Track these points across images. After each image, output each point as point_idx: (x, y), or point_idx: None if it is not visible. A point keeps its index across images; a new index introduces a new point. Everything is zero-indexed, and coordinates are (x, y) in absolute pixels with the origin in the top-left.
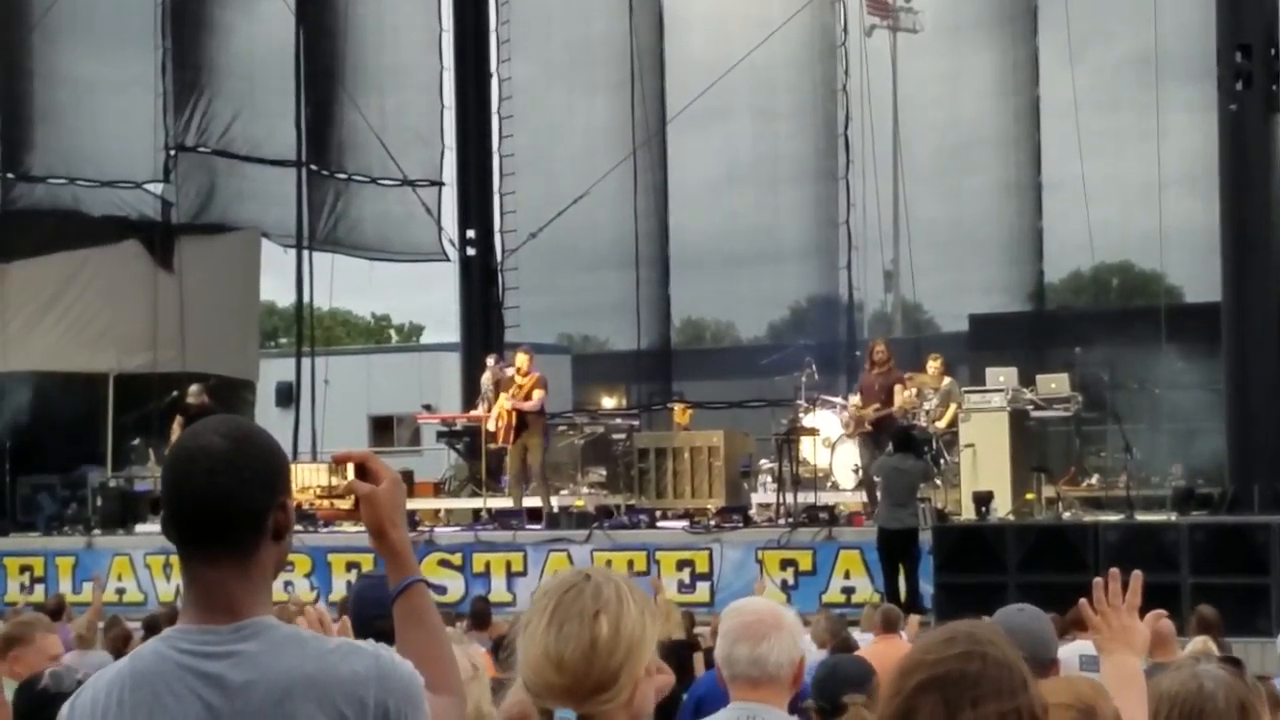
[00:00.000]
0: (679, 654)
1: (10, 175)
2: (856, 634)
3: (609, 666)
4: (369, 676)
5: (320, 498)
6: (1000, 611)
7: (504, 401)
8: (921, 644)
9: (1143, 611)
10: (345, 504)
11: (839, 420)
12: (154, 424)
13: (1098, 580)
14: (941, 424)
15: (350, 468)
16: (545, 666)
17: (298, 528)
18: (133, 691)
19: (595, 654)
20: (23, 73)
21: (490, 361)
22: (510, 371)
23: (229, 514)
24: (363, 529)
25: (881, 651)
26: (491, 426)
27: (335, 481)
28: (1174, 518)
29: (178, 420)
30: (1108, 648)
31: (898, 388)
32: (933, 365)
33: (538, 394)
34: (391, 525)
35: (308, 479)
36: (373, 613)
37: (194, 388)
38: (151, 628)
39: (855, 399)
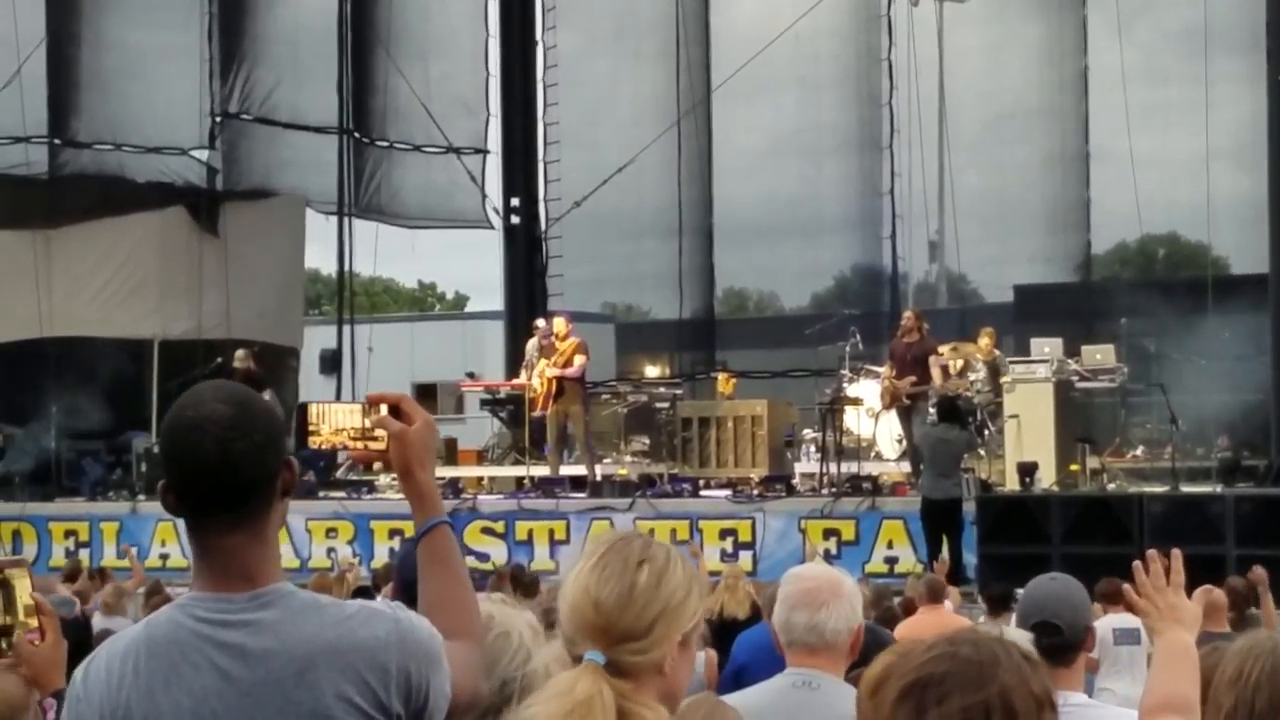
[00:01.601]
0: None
1: (58, 141)
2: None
3: (644, 616)
4: (390, 641)
5: (354, 439)
6: (1034, 581)
7: (545, 368)
8: (901, 651)
9: (1188, 588)
10: (378, 445)
11: (879, 393)
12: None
13: (1137, 563)
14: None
15: (384, 408)
16: (583, 603)
17: (340, 494)
18: (149, 660)
19: (632, 599)
20: (70, 38)
21: (540, 324)
22: (551, 338)
23: (246, 480)
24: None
25: (927, 622)
26: (538, 387)
27: (369, 423)
28: (1219, 489)
29: None
30: (1158, 627)
31: (933, 358)
32: (984, 340)
33: (579, 360)
34: (419, 466)
35: (343, 420)
36: (415, 576)
37: (240, 352)
38: (155, 592)
39: (886, 368)
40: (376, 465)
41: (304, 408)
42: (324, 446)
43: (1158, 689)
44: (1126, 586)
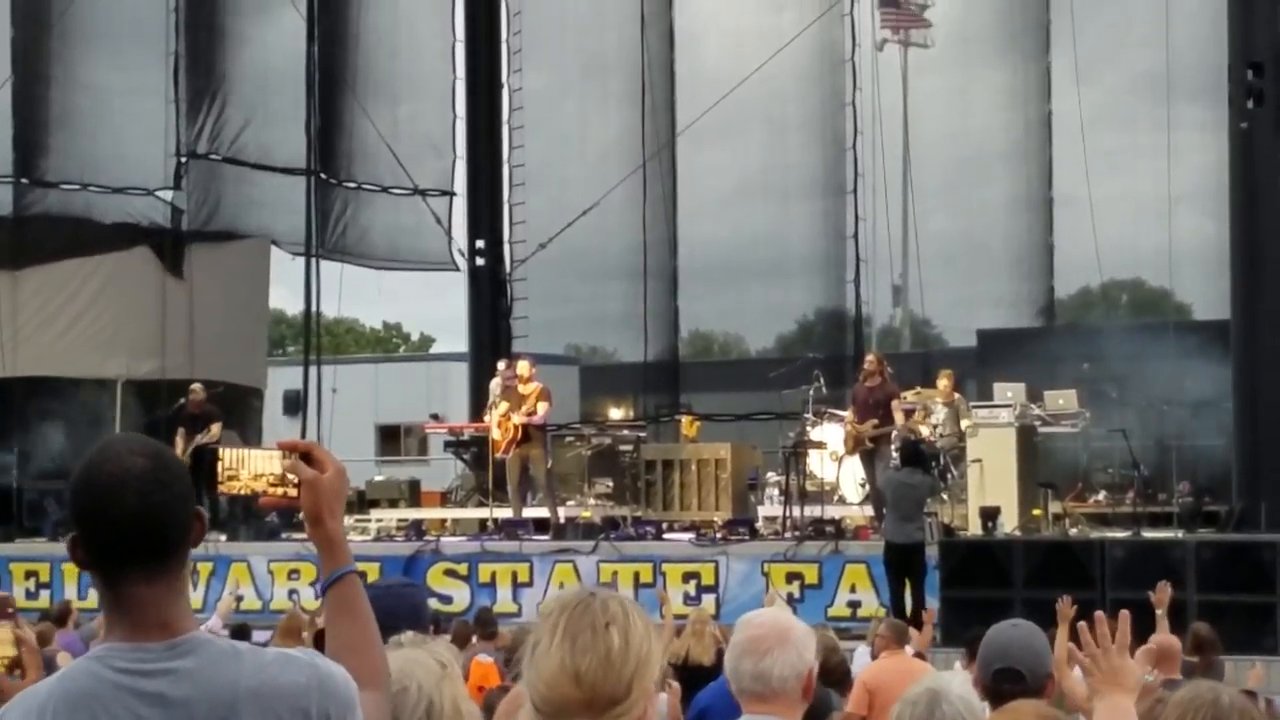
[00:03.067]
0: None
1: (24, 180)
2: (861, 648)
3: (623, 677)
4: (310, 686)
5: (273, 485)
6: (995, 627)
7: (513, 417)
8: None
9: (1142, 638)
10: (294, 491)
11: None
12: (162, 430)
13: (1083, 625)
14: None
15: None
16: (562, 680)
17: (302, 535)
18: (69, 713)
19: (610, 665)
20: (38, 78)
21: (501, 366)
22: (513, 381)
23: (167, 533)
24: (369, 537)
25: (891, 666)
26: (496, 435)
27: (283, 468)
28: (1181, 535)
29: (180, 432)
30: (1100, 689)
31: (895, 402)
32: (943, 382)
33: (542, 407)
34: (329, 514)
35: (261, 466)
36: (383, 622)
37: (195, 385)
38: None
39: (849, 413)
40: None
41: (214, 453)
42: (241, 492)
43: None
44: (1072, 646)
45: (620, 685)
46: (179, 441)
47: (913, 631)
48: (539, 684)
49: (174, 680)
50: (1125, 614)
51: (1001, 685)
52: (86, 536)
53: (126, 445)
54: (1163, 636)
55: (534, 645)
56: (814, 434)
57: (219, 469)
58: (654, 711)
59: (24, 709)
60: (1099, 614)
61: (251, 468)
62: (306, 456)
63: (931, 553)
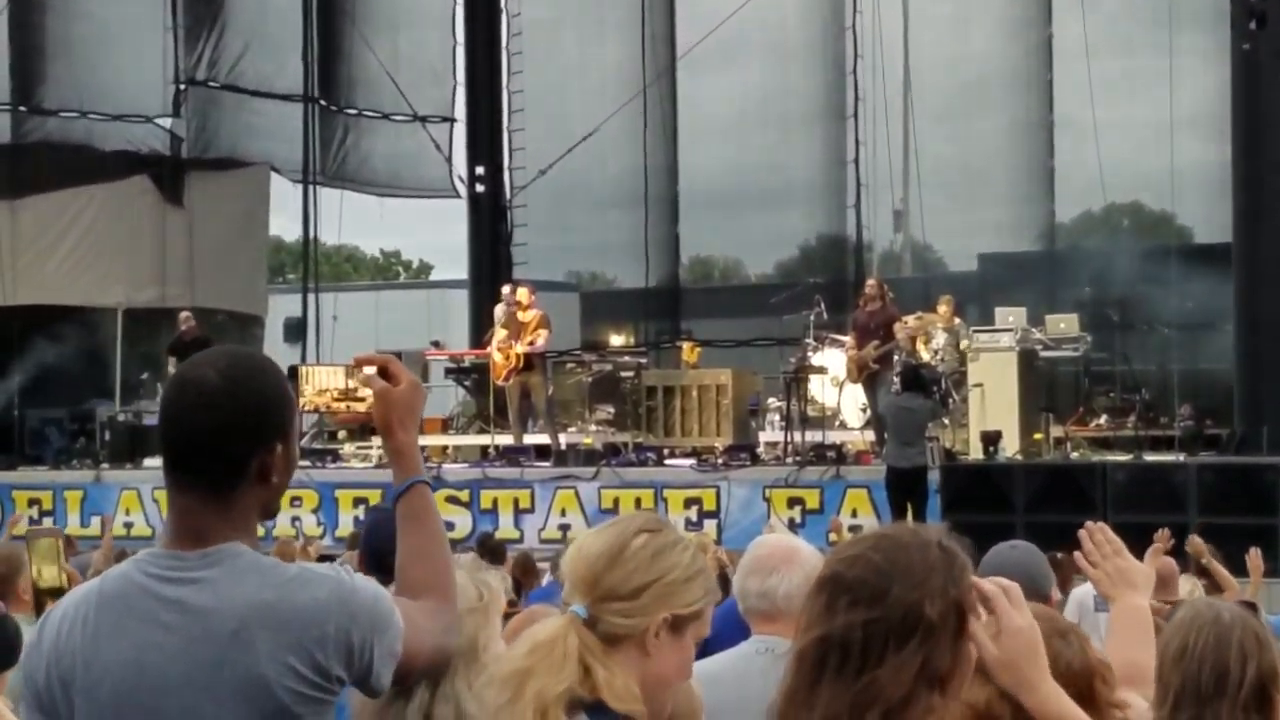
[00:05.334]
0: None
1: (23, 108)
2: None
3: (631, 578)
4: (329, 604)
5: (338, 400)
6: (994, 549)
7: (515, 347)
8: (843, 542)
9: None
10: (362, 406)
11: (843, 363)
12: (162, 358)
13: (1082, 531)
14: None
15: (372, 369)
16: (575, 556)
17: (305, 463)
18: (98, 611)
19: (621, 559)
20: (35, 6)
21: (506, 290)
22: (514, 308)
23: (206, 451)
24: (370, 464)
25: None
26: (498, 360)
27: (353, 385)
28: (1182, 458)
29: (172, 361)
30: (1111, 593)
31: (896, 326)
32: (943, 307)
33: (542, 334)
34: (401, 426)
35: (326, 381)
36: (384, 545)
37: (184, 313)
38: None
39: (850, 338)
40: (341, 434)
41: (293, 371)
42: (306, 408)
43: (1114, 661)
44: (1077, 554)
45: (626, 584)
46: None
47: None
48: (563, 560)
49: (197, 589)
50: (1102, 525)
51: None
52: (159, 433)
53: (212, 357)
54: (1158, 559)
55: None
56: (815, 359)
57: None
58: (677, 655)
59: (65, 605)
60: (1090, 524)
61: (316, 383)
62: (382, 372)
63: (933, 477)
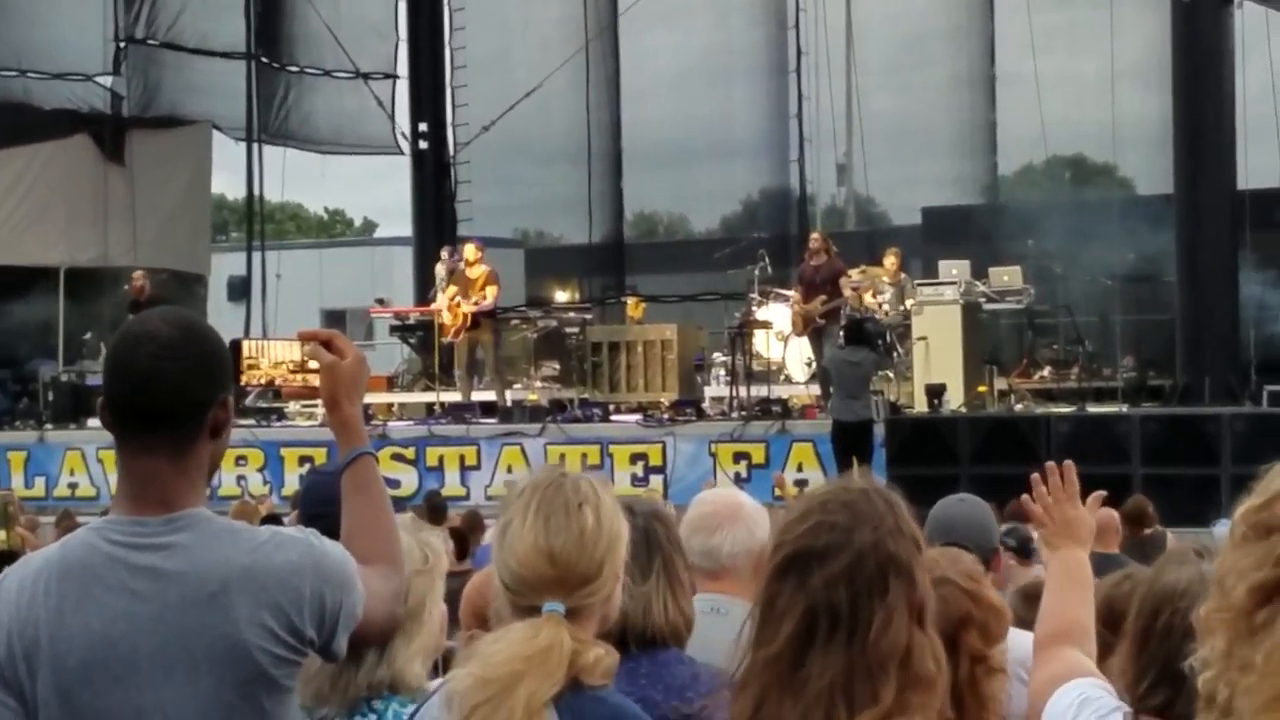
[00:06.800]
0: None
1: None
2: None
3: (595, 557)
4: (304, 565)
5: (292, 373)
6: (941, 502)
7: (462, 305)
8: (782, 525)
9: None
10: (315, 380)
11: (788, 317)
12: (105, 317)
13: (1035, 475)
14: (892, 311)
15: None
16: (536, 559)
17: (249, 421)
18: (60, 581)
19: (583, 544)
20: None
21: (444, 254)
22: (460, 264)
23: (169, 400)
24: (315, 422)
25: None
26: (447, 320)
27: (304, 355)
28: (1125, 409)
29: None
30: (1053, 542)
31: (842, 280)
32: (889, 260)
33: (491, 291)
34: (347, 399)
35: (282, 354)
36: (319, 509)
37: (136, 273)
38: (64, 519)
39: (796, 294)
40: (292, 405)
41: (236, 344)
42: (261, 380)
43: (1052, 615)
44: (1025, 498)
45: (593, 564)
46: None
47: None
48: (511, 563)
49: (168, 555)
50: (1070, 464)
51: None
52: (105, 395)
53: (161, 314)
54: (1099, 510)
55: (506, 525)
56: (759, 314)
57: (239, 359)
58: (619, 590)
59: (22, 574)
60: (1050, 464)
61: (271, 356)
62: (327, 344)
63: (878, 430)
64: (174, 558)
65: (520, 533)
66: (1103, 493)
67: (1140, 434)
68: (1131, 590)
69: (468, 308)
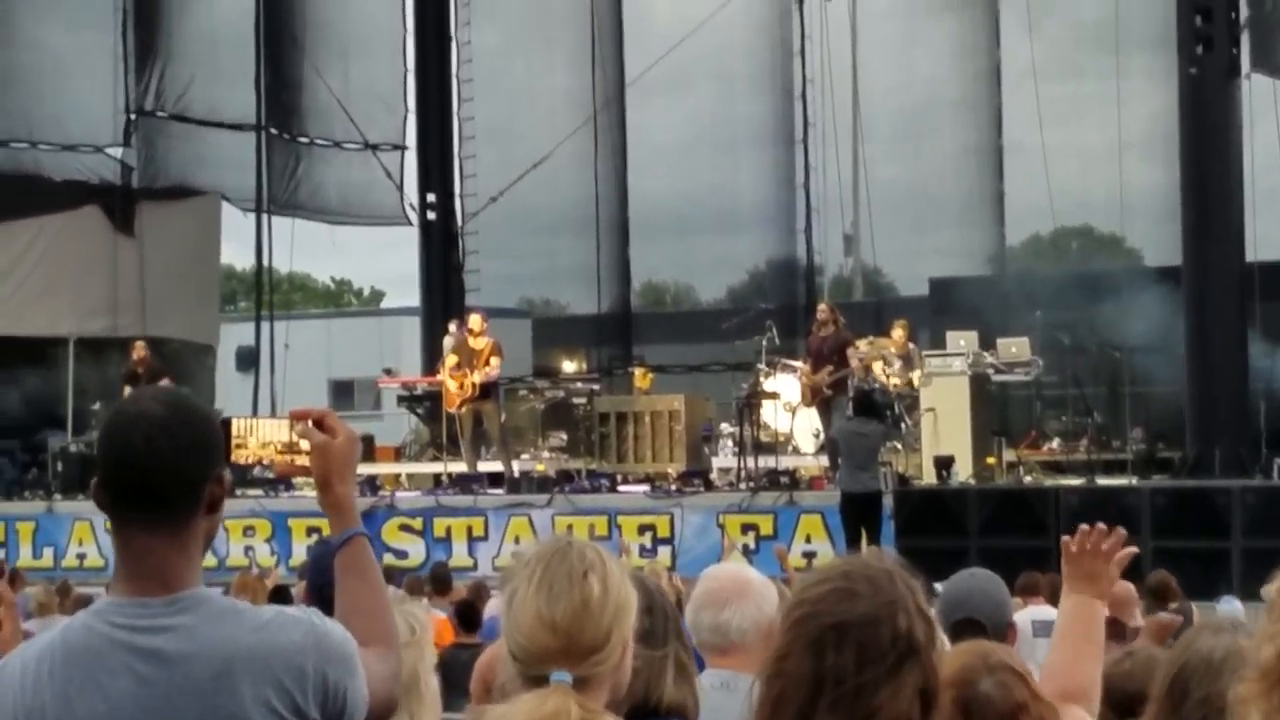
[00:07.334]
0: None
1: None
2: None
3: (601, 626)
4: (307, 646)
5: (281, 453)
6: (954, 577)
7: (471, 376)
8: (800, 598)
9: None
10: (305, 460)
11: (797, 387)
12: (114, 388)
13: (1084, 526)
14: (900, 383)
15: (310, 422)
16: (539, 630)
17: (257, 492)
18: (64, 665)
19: (588, 613)
20: None
21: (452, 327)
22: (465, 335)
23: (166, 480)
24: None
25: None
26: (452, 389)
27: (295, 435)
28: (1135, 481)
29: (126, 390)
30: (1072, 586)
31: (850, 350)
32: (897, 331)
33: (495, 361)
34: (339, 479)
35: (270, 434)
36: (327, 579)
37: (138, 343)
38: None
39: (805, 365)
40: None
41: (226, 422)
42: (249, 460)
43: (1063, 673)
44: (1065, 539)
45: (599, 633)
46: None
47: None
48: (517, 634)
49: (171, 636)
50: (1121, 530)
51: (962, 636)
52: (100, 476)
53: (152, 392)
54: (1117, 584)
55: (511, 595)
56: (767, 384)
57: (229, 439)
58: (629, 659)
59: (24, 658)
60: (1100, 524)
61: (259, 435)
62: (319, 423)
63: (886, 502)
64: (178, 640)
65: (525, 603)
66: (1133, 550)
67: (1150, 506)
68: (1132, 670)
69: (477, 378)
